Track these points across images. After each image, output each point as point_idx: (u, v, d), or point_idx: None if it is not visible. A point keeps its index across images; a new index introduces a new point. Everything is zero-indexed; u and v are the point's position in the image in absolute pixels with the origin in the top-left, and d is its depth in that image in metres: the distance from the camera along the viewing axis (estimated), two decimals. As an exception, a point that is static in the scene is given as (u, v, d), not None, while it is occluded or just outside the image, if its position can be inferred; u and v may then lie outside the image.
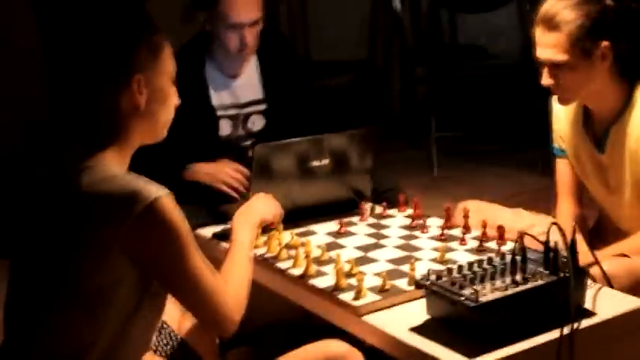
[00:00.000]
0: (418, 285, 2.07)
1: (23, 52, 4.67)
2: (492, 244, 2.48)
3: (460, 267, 2.07)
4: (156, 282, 1.89)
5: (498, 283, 1.99)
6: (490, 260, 2.09)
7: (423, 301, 2.07)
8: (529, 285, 1.99)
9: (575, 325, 1.95)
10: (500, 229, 2.49)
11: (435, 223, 2.69)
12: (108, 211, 1.80)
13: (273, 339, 2.69)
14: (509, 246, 2.40)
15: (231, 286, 2.00)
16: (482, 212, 2.87)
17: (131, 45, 1.91)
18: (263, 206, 2.45)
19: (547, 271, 2.03)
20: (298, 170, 2.75)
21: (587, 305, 2.08)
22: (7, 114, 4.87)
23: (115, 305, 1.84)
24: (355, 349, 2.07)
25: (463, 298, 1.92)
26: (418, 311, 2.08)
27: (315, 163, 2.76)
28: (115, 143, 1.92)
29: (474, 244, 2.50)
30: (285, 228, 2.60)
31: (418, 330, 2.02)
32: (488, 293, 1.94)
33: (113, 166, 1.89)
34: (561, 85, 2.50)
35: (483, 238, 2.51)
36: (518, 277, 2.01)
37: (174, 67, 2.01)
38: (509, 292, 1.96)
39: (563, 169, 2.82)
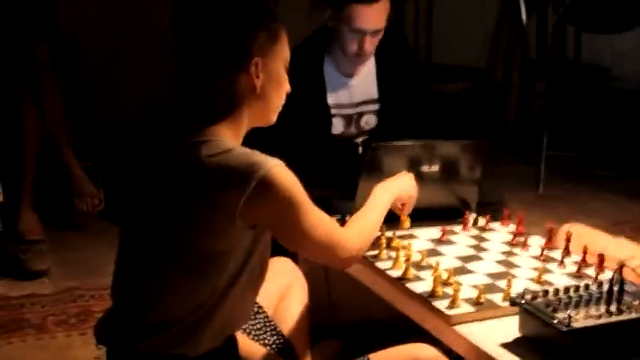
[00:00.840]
0: (513, 302, 2.09)
1: (158, 29, 4.82)
2: (591, 271, 2.48)
3: (556, 290, 2.09)
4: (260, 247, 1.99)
5: (592, 310, 2.00)
6: (587, 287, 2.10)
7: (516, 318, 2.09)
8: (623, 317, 1.99)
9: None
10: (601, 257, 2.49)
11: (536, 242, 2.70)
12: (227, 182, 1.89)
13: (364, 335, 2.75)
14: (607, 275, 2.40)
15: (352, 229, 2.16)
16: (584, 237, 2.87)
17: (252, 29, 2.00)
18: (405, 183, 2.55)
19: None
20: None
21: None
22: (137, 91, 5.04)
23: (225, 271, 1.94)
24: (443, 357, 2.11)
25: (556, 322, 1.94)
26: (510, 328, 2.10)
27: (425, 168, 2.80)
28: (229, 121, 2.01)
29: (573, 268, 2.51)
30: (388, 229, 2.65)
31: (508, 346, 2.04)
32: (582, 319, 1.96)
33: (228, 141, 1.98)
34: None
35: (583, 264, 2.51)
36: (613, 308, 2.01)
37: (288, 55, 2.09)
38: (603, 320, 1.97)
39: None
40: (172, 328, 1.93)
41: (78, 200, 4.10)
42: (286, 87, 2.10)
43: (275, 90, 2.06)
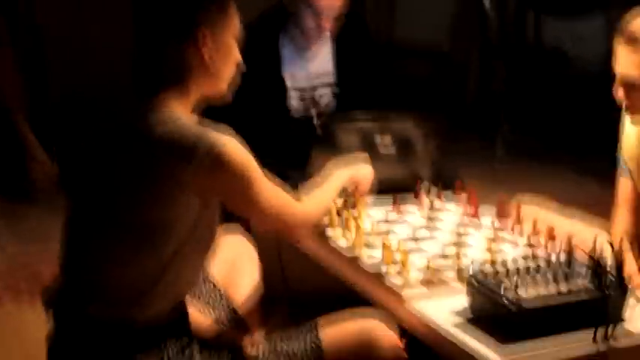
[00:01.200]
0: (463, 280, 2.10)
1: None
2: (542, 242, 2.49)
3: (507, 269, 2.08)
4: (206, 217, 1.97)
5: (542, 289, 2.01)
6: (537, 267, 2.10)
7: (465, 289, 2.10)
8: (572, 298, 2.00)
9: (611, 343, 1.95)
10: (550, 230, 2.50)
11: (488, 214, 2.72)
12: (173, 151, 1.89)
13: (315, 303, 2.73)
14: (556, 245, 2.43)
15: (307, 201, 2.20)
16: (536, 211, 2.89)
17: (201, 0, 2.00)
18: (360, 165, 2.57)
19: (591, 285, 2.03)
20: (361, 147, 2.80)
21: (628, 325, 2.05)
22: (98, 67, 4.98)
23: (172, 239, 1.93)
24: (393, 323, 2.11)
25: (506, 302, 1.95)
26: (462, 304, 2.10)
27: (378, 141, 2.80)
28: (178, 91, 2.00)
29: (523, 240, 2.52)
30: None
31: (460, 324, 2.04)
32: (531, 298, 1.96)
33: (177, 111, 1.98)
34: (634, 105, 2.49)
35: (534, 234, 2.53)
36: (562, 287, 2.02)
37: (238, 27, 2.09)
38: (552, 302, 1.98)
39: (625, 186, 2.79)
40: (120, 293, 1.94)
41: (31, 166, 4.06)
42: (236, 58, 2.09)
43: (223, 60, 2.05)
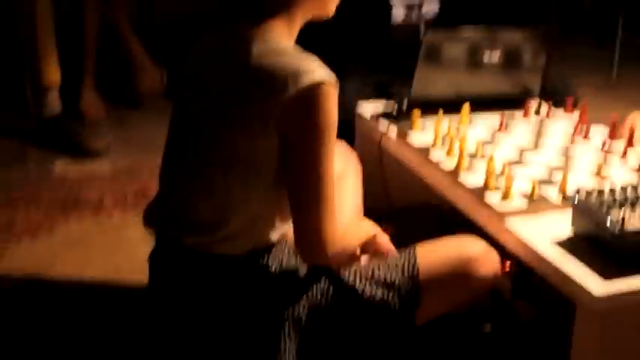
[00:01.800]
0: (567, 199, 2.03)
1: None
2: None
3: (613, 188, 2.01)
4: None
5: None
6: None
7: (570, 215, 2.03)
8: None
9: None
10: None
11: (599, 132, 2.61)
12: (271, 85, 1.81)
13: (417, 221, 2.70)
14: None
15: (342, 230, 1.92)
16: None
17: None
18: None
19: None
20: (467, 60, 2.71)
21: None
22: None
23: (266, 176, 1.88)
24: (492, 251, 2.05)
25: (609, 223, 1.87)
26: (563, 225, 2.03)
27: (486, 55, 2.70)
28: (284, 15, 1.91)
29: (635, 162, 2.41)
30: (446, 113, 2.57)
31: (559, 245, 1.98)
32: (636, 222, 1.88)
33: (282, 39, 1.90)
34: None
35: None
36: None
37: None
38: None
39: None
40: (216, 230, 1.90)
41: (139, 78, 4.08)
42: None
43: None
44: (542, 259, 1.97)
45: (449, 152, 2.41)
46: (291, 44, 1.93)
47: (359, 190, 2.52)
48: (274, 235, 1.96)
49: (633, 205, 1.95)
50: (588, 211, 1.96)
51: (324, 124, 1.82)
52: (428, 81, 2.70)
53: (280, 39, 1.89)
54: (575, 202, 1.99)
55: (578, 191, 2.00)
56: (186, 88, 2.00)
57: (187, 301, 1.95)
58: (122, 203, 3.19)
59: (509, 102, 2.79)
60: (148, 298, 2.06)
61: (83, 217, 3.09)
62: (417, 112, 2.60)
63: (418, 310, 1.99)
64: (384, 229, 2.68)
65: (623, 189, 2.01)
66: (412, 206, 2.78)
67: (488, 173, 2.22)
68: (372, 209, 2.58)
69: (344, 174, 2.49)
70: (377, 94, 2.90)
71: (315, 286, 1.96)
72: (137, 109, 4.09)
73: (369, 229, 2.11)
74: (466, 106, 2.64)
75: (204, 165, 1.92)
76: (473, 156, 2.40)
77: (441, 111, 2.54)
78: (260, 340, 1.92)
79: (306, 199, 1.86)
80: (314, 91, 1.80)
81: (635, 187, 2.02)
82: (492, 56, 2.71)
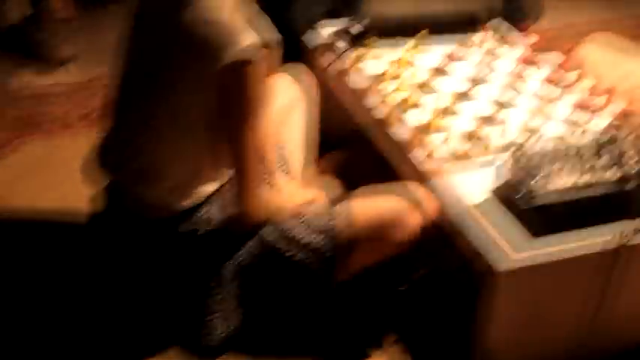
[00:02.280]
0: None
1: None
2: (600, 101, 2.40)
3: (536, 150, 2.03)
4: None
5: (565, 178, 1.96)
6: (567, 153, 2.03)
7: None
8: (595, 191, 1.95)
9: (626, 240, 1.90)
10: (610, 92, 2.40)
11: (552, 61, 2.60)
12: (202, 54, 1.85)
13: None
14: (616, 108, 2.34)
15: (275, 195, 2.04)
16: (606, 55, 2.79)
17: None
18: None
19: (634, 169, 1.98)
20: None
21: None
22: None
23: (201, 132, 1.94)
24: (431, 198, 2.09)
25: (521, 195, 1.92)
26: (486, 182, 2.07)
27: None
28: None
29: (582, 95, 2.41)
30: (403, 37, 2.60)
31: (479, 205, 2.02)
32: (560, 180, 1.92)
33: (221, 5, 1.88)
34: None
35: (590, 94, 2.42)
36: (599, 165, 1.96)
37: None
38: (569, 196, 1.94)
39: None
40: (159, 180, 1.99)
41: None
42: None
43: None
44: (457, 223, 2.00)
45: (398, 88, 2.41)
46: (229, 7, 1.91)
47: (310, 121, 2.53)
48: (210, 188, 2.03)
49: (563, 162, 1.99)
50: (507, 175, 2.00)
51: (249, 98, 1.87)
52: (383, 2, 2.68)
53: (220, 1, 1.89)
54: (495, 165, 2.03)
55: (511, 146, 2.03)
56: (135, 32, 2.03)
57: (125, 255, 2.06)
58: (88, 119, 3.13)
59: (472, 22, 2.78)
60: (89, 243, 2.15)
61: (49, 134, 3.05)
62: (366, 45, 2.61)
63: (339, 267, 2.06)
64: (338, 155, 2.75)
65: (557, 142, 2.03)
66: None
67: (431, 115, 2.24)
68: (326, 133, 2.64)
69: (292, 107, 2.51)
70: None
71: (242, 245, 2.04)
72: (109, 9, 3.86)
73: (304, 195, 2.18)
74: (421, 34, 2.64)
75: (148, 117, 1.97)
76: (422, 88, 2.42)
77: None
78: (190, 295, 2.03)
79: (242, 163, 1.93)
80: (241, 66, 1.83)
81: (558, 149, 2.03)
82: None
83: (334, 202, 2.13)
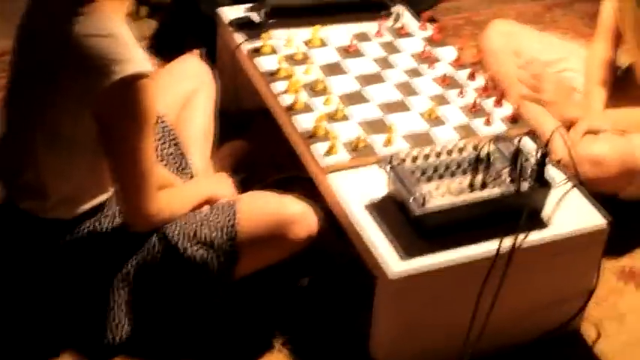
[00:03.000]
0: (381, 165, 2.07)
1: None
2: (490, 103, 2.41)
3: (427, 154, 2.06)
4: None
5: (455, 183, 1.99)
6: (459, 163, 2.06)
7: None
8: (482, 194, 1.98)
9: (519, 242, 1.97)
10: (501, 93, 2.41)
11: (448, 57, 2.61)
12: (88, 72, 1.81)
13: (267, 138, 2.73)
14: (504, 111, 2.37)
15: (165, 198, 2.01)
16: (508, 37, 2.80)
17: None
18: (223, 186, 2.30)
19: (510, 178, 2.01)
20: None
21: (544, 217, 2.07)
22: None
23: (84, 149, 1.93)
24: (310, 212, 2.12)
25: (411, 200, 1.94)
26: (382, 183, 2.09)
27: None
28: None
29: (472, 96, 2.42)
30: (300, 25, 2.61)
31: (372, 207, 2.06)
32: (438, 197, 1.95)
33: (109, 17, 1.85)
34: None
35: (484, 93, 2.44)
36: (478, 179, 1.99)
37: None
38: (459, 199, 1.96)
39: (607, 12, 2.71)
40: (44, 197, 1.99)
41: None
42: None
43: None
44: (352, 225, 2.04)
45: (289, 89, 2.40)
46: (116, 23, 1.87)
47: (210, 110, 2.55)
48: (102, 198, 2.03)
49: (441, 177, 2.02)
50: (399, 180, 2.01)
51: (138, 116, 1.85)
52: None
53: (108, 16, 1.85)
54: (387, 169, 2.04)
55: (391, 158, 2.05)
56: (20, 44, 2.00)
57: (22, 260, 2.06)
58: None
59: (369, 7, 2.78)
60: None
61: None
62: (267, 35, 2.59)
63: (236, 266, 2.08)
64: (237, 145, 2.74)
65: (438, 154, 2.06)
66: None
67: (318, 121, 2.24)
68: (229, 114, 2.67)
69: (195, 94, 2.52)
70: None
71: (143, 244, 2.05)
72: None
73: (202, 191, 2.19)
74: (316, 28, 2.62)
75: (30, 134, 1.95)
76: (312, 90, 2.41)
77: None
78: (91, 297, 2.04)
79: (125, 180, 1.93)
80: (129, 84, 1.81)
81: (450, 151, 2.07)
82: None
83: (234, 198, 2.16)
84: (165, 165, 2.32)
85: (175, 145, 2.39)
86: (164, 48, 3.31)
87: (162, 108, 2.37)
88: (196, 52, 2.65)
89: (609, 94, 2.65)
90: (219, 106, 2.56)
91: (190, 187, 2.25)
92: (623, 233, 2.24)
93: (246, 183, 2.40)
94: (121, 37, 1.85)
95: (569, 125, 2.52)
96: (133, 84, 1.81)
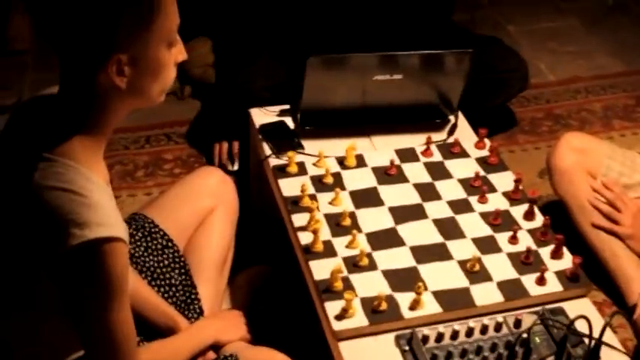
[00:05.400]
0: (400, 342, 1.74)
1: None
2: (546, 252, 2.03)
3: (455, 333, 1.71)
4: None
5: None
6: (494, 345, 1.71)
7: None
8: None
9: None
10: (560, 238, 2.03)
11: (503, 184, 2.24)
12: (40, 230, 1.52)
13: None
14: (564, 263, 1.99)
15: (150, 355, 1.77)
16: (582, 154, 2.45)
17: (111, 20, 1.45)
18: (230, 330, 2.07)
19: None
20: (360, 83, 2.35)
21: None
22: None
23: (49, 311, 1.63)
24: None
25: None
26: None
27: (381, 77, 2.33)
28: (88, 130, 1.55)
29: (526, 243, 2.04)
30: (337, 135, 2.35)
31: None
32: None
33: (77, 166, 1.53)
34: None
35: (541, 238, 2.06)
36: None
37: (176, 20, 1.55)
38: None
39: None
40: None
41: None
42: (178, 59, 1.58)
43: (154, 78, 1.55)
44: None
45: (308, 226, 2.07)
46: (85, 173, 1.55)
47: (228, 233, 2.28)
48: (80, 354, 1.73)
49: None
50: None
51: (103, 282, 1.53)
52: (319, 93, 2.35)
53: (76, 164, 1.53)
54: (405, 348, 1.71)
55: (411, 336, 1.71)
56: None
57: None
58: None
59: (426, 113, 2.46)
60: None
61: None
62: (292, 155, 2.26)
63: None
64: (259, 270, 2.45)
65: (469, 331, 1.72)
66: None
67: (336, 272, 1.91)
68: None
69: (213, 213, 2.26)
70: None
71: None
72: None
73: (204, 337, 1.97)
74: (351, 147, 2.29)
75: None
76: (339, 225, 2.08)
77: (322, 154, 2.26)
78: None
79: (95, 350, 1.63)
80: (90, 250, 1.49)
81: (485, 328, 1.73)
82: (393, 78, 2.34)
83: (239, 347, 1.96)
84: (172, 297, 2.05)
85: (184, 274, 2.11)
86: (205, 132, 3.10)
87: (174, 229, 2.13)
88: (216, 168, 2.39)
89: None
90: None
91: (189, 333, 1.97)
92: None
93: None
94: (88, 194, 1.51)
95: None
96: (96, 250, 1.48)
